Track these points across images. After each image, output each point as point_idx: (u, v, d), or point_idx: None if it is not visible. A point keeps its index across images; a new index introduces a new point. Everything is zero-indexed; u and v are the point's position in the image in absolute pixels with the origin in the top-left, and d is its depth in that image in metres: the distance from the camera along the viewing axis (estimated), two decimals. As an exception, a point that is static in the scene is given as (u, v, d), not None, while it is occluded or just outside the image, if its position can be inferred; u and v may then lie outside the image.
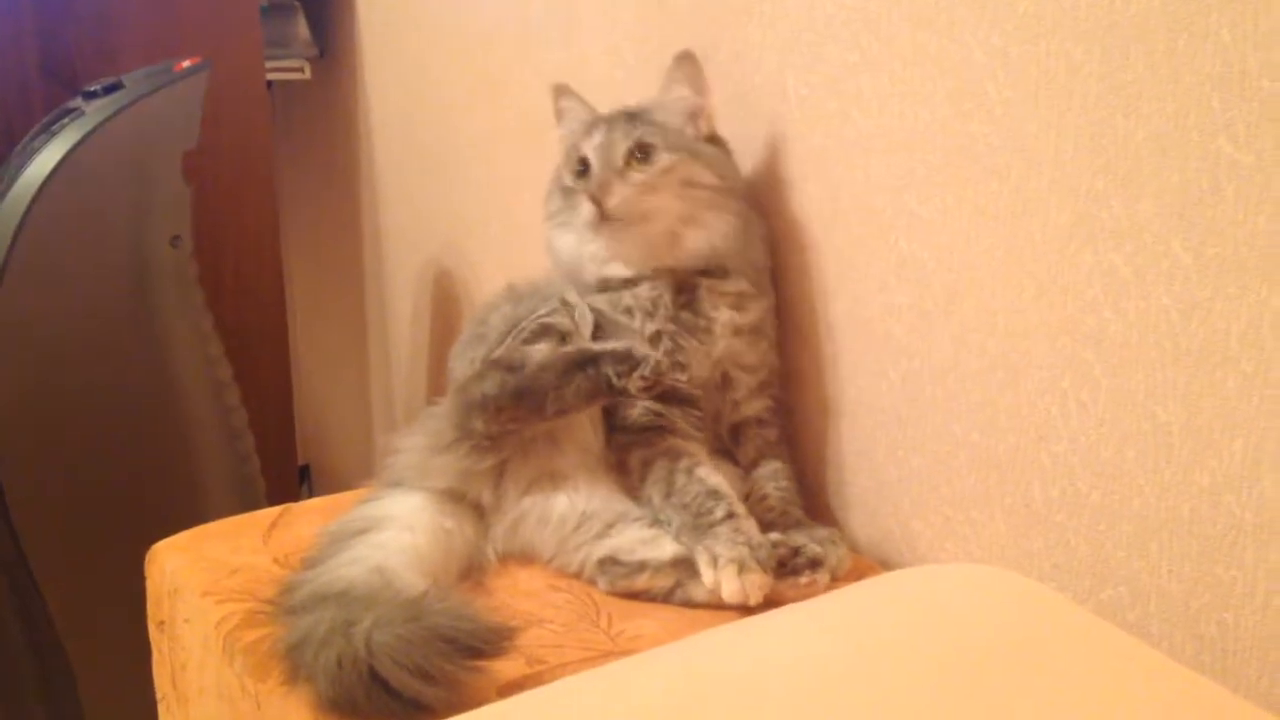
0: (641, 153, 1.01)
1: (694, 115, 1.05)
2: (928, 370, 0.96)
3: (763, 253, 1.06)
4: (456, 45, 1.63)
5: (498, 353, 0.99)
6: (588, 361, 0.94)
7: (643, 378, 0.93)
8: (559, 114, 1.12)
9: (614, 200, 1.00)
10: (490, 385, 0.95)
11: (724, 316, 1.01)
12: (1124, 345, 0.80)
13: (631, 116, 1.04)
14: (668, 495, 0.94)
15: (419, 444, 1.00)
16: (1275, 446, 0.72)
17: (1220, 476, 0.75)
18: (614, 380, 0.93)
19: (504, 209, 1.57)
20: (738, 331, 1.02)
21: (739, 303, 1.02)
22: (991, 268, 0.89)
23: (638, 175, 1.00)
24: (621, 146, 1.01)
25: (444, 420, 0.99)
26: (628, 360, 0.94)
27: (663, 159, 1.01)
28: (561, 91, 1.11)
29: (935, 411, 0.96)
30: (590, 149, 1.03)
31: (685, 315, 1.01)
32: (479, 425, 0.95)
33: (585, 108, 1.10)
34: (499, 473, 0.98)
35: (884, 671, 0.66)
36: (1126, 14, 0.76)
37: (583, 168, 1.03)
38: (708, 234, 1.01)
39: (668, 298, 1.01)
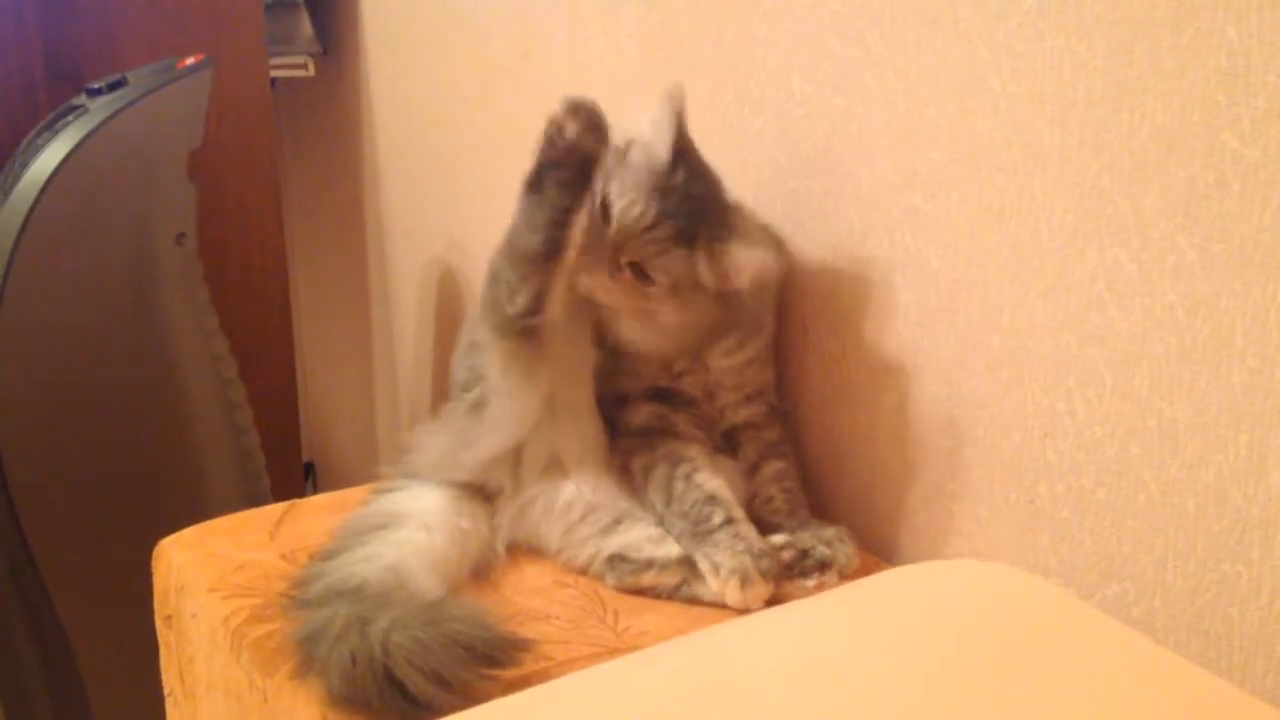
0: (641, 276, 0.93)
1: (723, 278, 0.93)
2: (932, 366, 0.96)
3: (763, 301, 1.02)
4: (461, 42, 1.63)
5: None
6: (534, 175, 0.90)
7: (574, 116, 0.86)
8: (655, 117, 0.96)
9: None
10: (497, 267, 0.94)
11: (716, 363, 1.01)
12: (1129, 341, 0.80)
13: (678, 235, 0.92)
14: (668, 503, 0.94)
15: (441, 443, 1.00)
16: (1281, 442, 0.72)
17: (1226, 472, 0.75)
18: (548, 152, 0.88)
19: (508, 207, 1.57)
20: (727, 370, 1.02)
21: (729, 352, 1.01)
22: (996, 264, 0.89)
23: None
24: (631, 249, 0.92)
25: (465, 416, 0.99)
26: (553, 126, 0.88)
27: (647, 289, 0.93)
28: (670, 97, 0.95)
29: (939, 408, 0.96)
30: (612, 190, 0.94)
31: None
32: (508, 307, 0.92)
33: (668, 139, 0.94)
34: (516, 459, 0.98)
35: (888, 668, 0.66)
36: (1131, 9, 0.76)
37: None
38: (645, 342, 0.98)
39: None
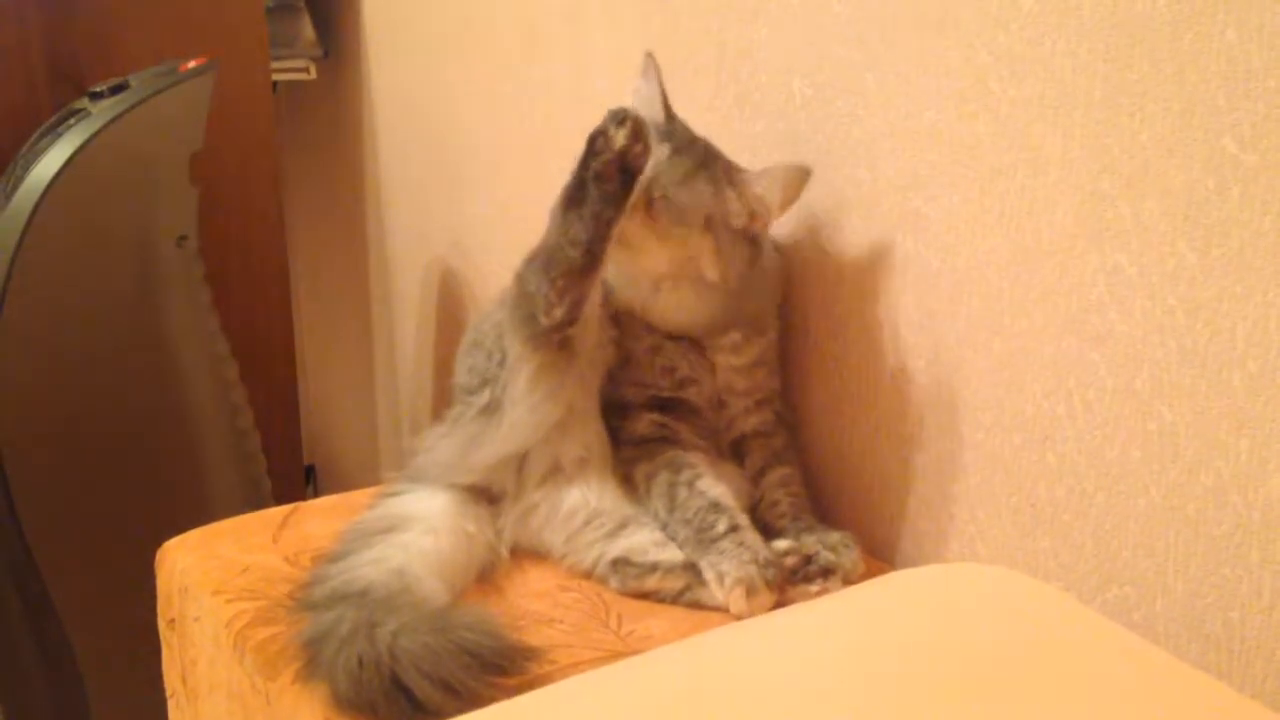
0: (674, 209, 0.95)
1: (752, 214, 0.98)
2: (933, 370, 0.96)
3: (764, 302, 1.04)
4: (462, 45, 1.63)
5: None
6: (573, 189, 0.91)
7: (620, 124, 0.88)
8: (639, 86, 1.03)
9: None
10: (529, 280, 0.95)
11: (721, 360, 1.01)
12: (1129, 345, 0.80)
13: (700, 164, 0.97)
14: (671, 510, 0.94)
15: (451, 446, 1.01)
16: (1281, 446, 0.72)
17: (1226, 476, 0.75)
18: (592, 163, 0.89)
19: (509, 209, 1.58)
20: (735, 369, 1.02)
21: (735, 348, 1.01)
22: (997, 267, 0.89)
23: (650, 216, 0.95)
24: (660, 184, 0.95)
25: (474, 420, 0.99)
26: (599, 137, 0.89)
27: (682, 225, 0.95)
28: (649, 65, 1.02)
29: (940, 411, 0.96)
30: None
31: (690, 351, 1.01)
32: (544, 320, 0.93)
33: (659, 100, 1.01)
34: (521, 462, 0.98)
35: (890, 671, 0.66)
36: (1131, 13, 0.76)
37: None
38: (674, 310, 0.99)
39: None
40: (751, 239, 0.99)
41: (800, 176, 0.98)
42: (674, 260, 0.97)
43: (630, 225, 0.94)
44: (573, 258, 0.91)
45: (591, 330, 0.97)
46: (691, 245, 0.96)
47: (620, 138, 0.88)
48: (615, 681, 0.69)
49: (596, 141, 0.89)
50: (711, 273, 0.97)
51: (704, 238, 0.96)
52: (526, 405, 0.96)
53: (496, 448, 0.98)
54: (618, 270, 0.99)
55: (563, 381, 0.95)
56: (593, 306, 0.95)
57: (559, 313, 0.92)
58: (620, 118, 0.89)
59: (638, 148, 0.89)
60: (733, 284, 0.98)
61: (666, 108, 1.01)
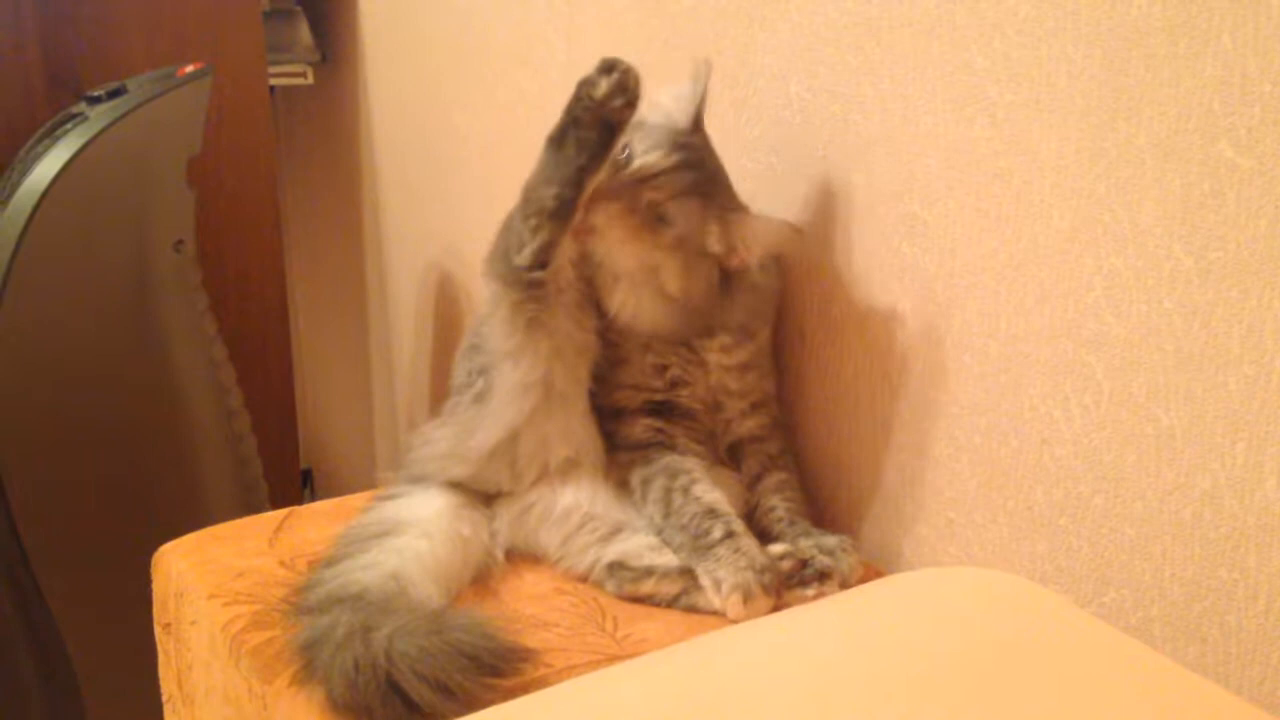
0: (654, 217, 0.93)
1: (731, 251, 0.96)
2: (930, 374, 0.96)
3: (749, 316, 1.02)
4: (458, 49, 1.63)
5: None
6: (559, 130, 0.90)
7: (607, 75, 0.86)
8: (684, 87, 1.01)
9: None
10: (511, 220, 0.95)
11: (713, 359, 1.01)
12: (1126, 349, 0.80)
13: (698, 187, 0.95)
14: (667, 516, 0.94)
15: (447, 435, 1.01)
16: (1277, 450, 0.72)
17: (1222, 480, 0.75)
18: (576, 107, 0.88)
19: (506, 213, 1.57)
20: (727, 369, 1.02)
21: (726, 349, 1.01)
22: (994, 271, 0.89)
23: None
24: (655, 185, 0.93)
25: (468, 408, 0.99)
26: (586, 84, 0.88)
27: (654, 236, 0.93)
28: (699, 72, 0.99)
29: (937, 415, 0.96)
30: (635, 142, 0.95)
31: (680, 348, 1.01)
32: (515, 258, 0.93)
33: (694, 107, 0.98)
34: (514, 455, 0.98)
35: (886, 674, 0.66)
36: (1127, 18, 0.77)
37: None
38: (629, 309, 0.97)
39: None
40: (725, 269, 0.98)
41: (789, 235, 0.97)
42: (637, 264, 0.96)
43: (607, 213, 0.93)
44: (545, 199, 0.90)
45: (567, 290, 0.95)
46: (656, 258, 0.95)
47: (602, 87, 0.87)
48: (611, 685, 0.69)
49: (582, 88, 0.89)
50: (672, 287, 0.96)
51: (670, 256, 0.95)
52: (507, 358, 0.95)
53: (489, 426, 0.97)
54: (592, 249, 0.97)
55: (537, 330, 0.94)
56: (564, 261, 0.94)
57: (528, 253, 0.92)
58: (608, 67, 0.88)
59: (617, 102, 0.87)
60: (695, 302, 0.97)
61: (697, 117, 0.98)
